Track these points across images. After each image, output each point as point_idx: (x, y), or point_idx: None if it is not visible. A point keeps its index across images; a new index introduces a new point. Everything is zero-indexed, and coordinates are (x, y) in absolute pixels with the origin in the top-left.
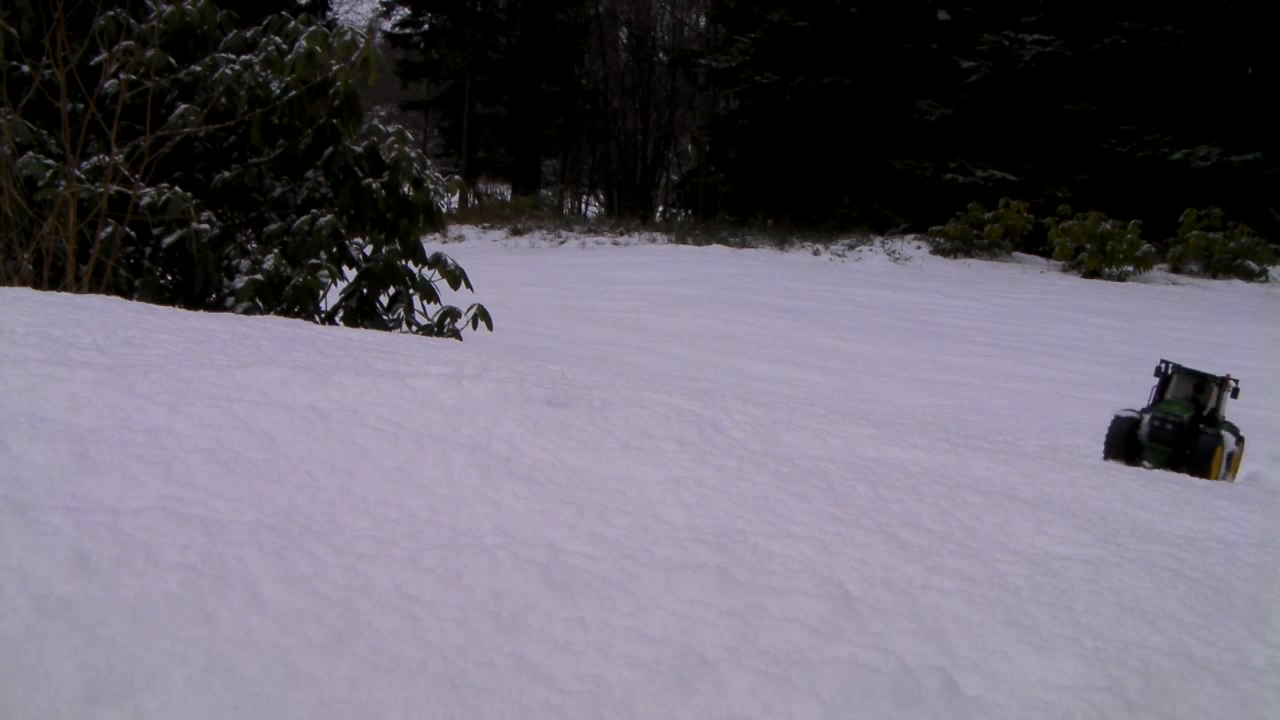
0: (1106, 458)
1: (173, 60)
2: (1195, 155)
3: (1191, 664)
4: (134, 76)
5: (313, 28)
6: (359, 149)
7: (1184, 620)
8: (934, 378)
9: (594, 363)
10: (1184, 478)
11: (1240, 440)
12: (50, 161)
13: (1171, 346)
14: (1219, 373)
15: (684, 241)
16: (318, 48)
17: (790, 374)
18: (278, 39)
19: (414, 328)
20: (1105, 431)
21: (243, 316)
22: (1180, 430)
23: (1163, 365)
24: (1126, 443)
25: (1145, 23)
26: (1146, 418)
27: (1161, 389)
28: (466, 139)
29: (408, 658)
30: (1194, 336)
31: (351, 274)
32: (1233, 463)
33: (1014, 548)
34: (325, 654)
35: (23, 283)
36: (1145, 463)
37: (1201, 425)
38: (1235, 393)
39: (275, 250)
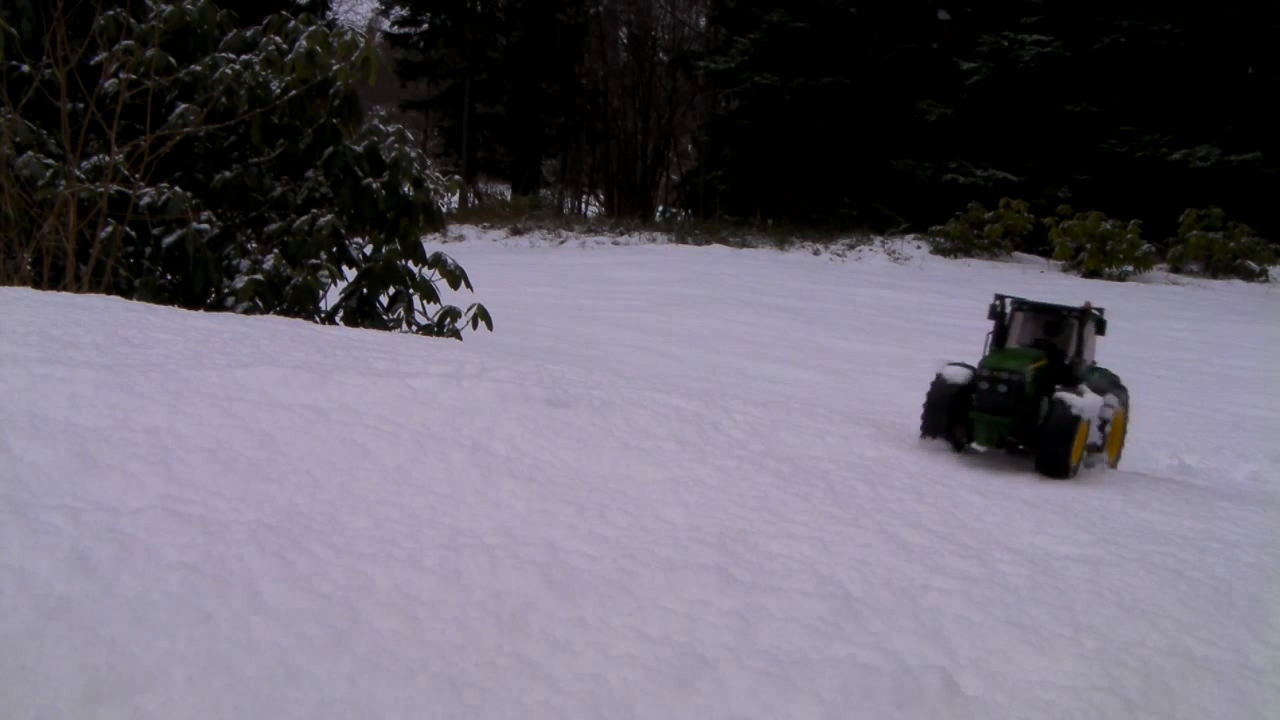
0: (925, 434)
1: (173, 60)
2: (1195, 155)
3: (1191, 664)
4: (134, 76)
5: (313, 27)
6: (359, 149)
7: (1184, 620)
8: (933, 378)
9: (594, 363)
10: (1185, 477)
11: (1121, 398)
12: (50, 161)
13: (1171, 346)
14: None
15: (684, 241)
16: (318, 47)
17: (790, 374)
18: (278, 39)
19: (414, 328)
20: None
21: (243, 316)
22: (1019, 392)
23: (998, 302)
24: (952, 413)
25: (1145, 22)
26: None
27: (999, 333)
28: (466, 139)
29: (408, 657)
30: (1194, 336)
31: (351, 274)
32: (1109, 438)
33: (1014, 548)
34: (325, 654)
35: (23, 282)
36: (975, 443)
37: (1057, 386)
38: (1101, 327)
39: (275, 250)
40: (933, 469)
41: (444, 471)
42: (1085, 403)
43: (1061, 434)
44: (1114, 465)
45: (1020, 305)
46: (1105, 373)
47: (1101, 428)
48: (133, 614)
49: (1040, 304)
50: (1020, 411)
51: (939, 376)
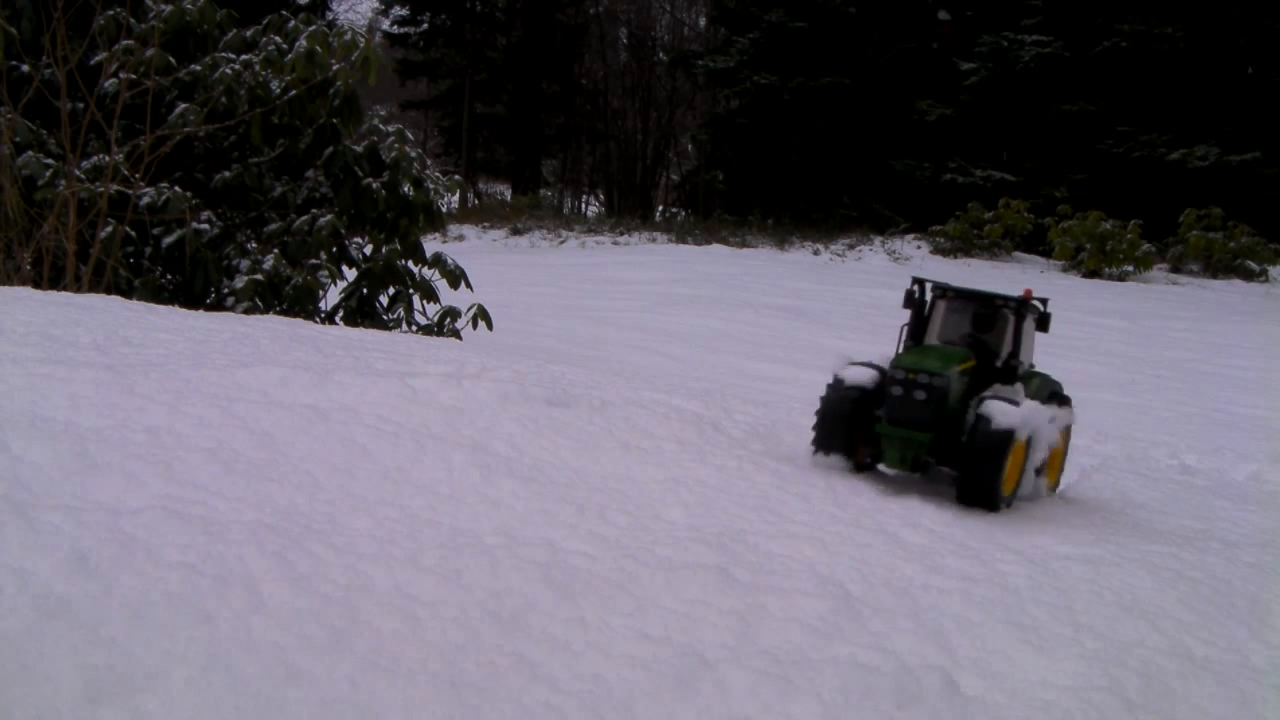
0: (817, 449)
1: (173, 60)
2: (1193, 155)
3: (1191, 664)
4: (134, 76)
5: (312, 27)
6: (359, 149)
7: (1184, 620)
8: None
9: (594, 363)
10: (1185, 477)
11: (1063, 409)
12: (50, 161)
13: (1171, 346)
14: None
15: (684, 241)
16: (317, 47)
17: (790, 374)
18: (278, 38)
19: (414, 327)
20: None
21: (243, 316)
22: (940, 400)
23: (915, 287)
24: (852, 424)
25: (1145, 25)
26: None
27: (917, 326)
28: (466, 139)
29: (408, 657)
30: (1194, 336)
31: (351, 274)
32: (1053, 459)
33: (1014, 548)
34: (325, 654)
35: (23, 282)
36: (883, 464)
37: (988, 393)
38: (1044, 323)
39: (275, 250)
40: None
41: (444, 471)
42: (1022, 414)
43: (989, 454)
44: (1053, 490)
45: (943, 292)
46: (1045, 379)
47: (1035, 455)
48: (133, 614)
49: (969, 290)
50: (941, 425)
51: (837, 378)
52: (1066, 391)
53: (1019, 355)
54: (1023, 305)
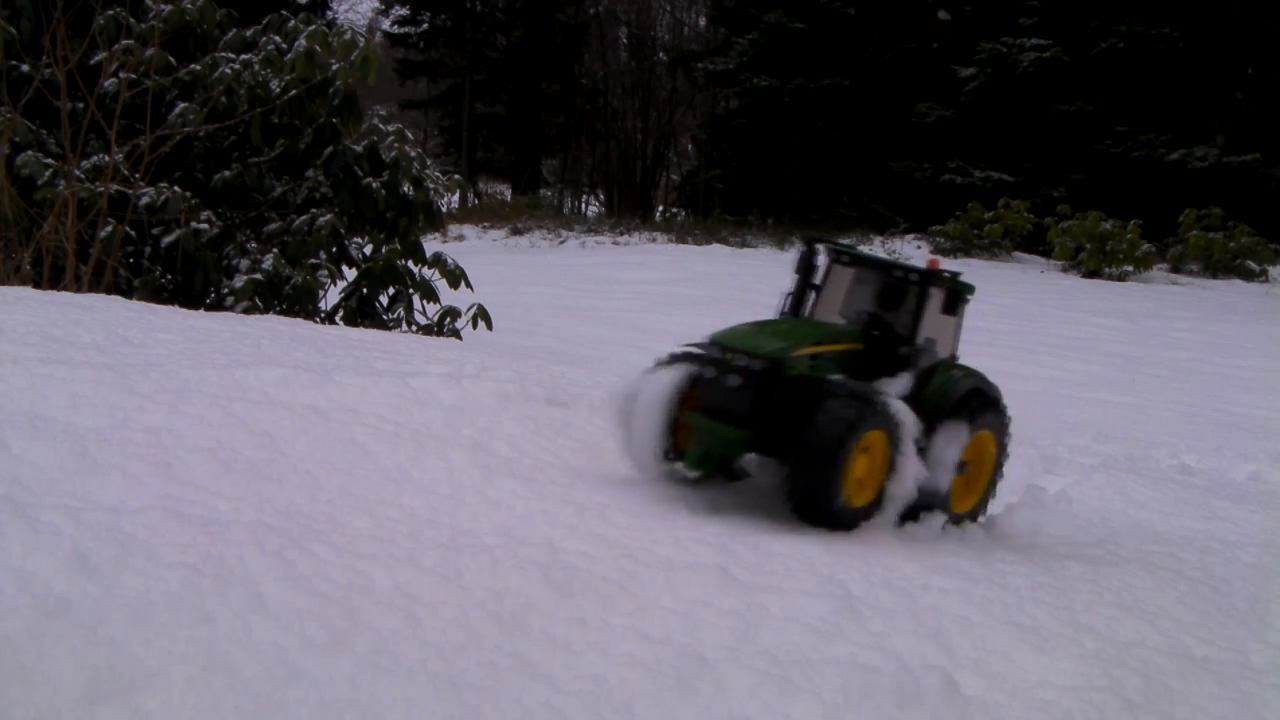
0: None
1: (172, 59)
2: (1193, 156)
3: (1191, 664)
4: (134, 76)
5: (312, 27)
6: (359, 148)
7: (1184, 620)
8: None
9: (594, 362)
10: (1185, 477)
11: (987, 420)
12: (50, 161)
13: (1171, 346)
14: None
15: (684, 241)
16: (317, 47)
17: None
18: (277, 38)
19: (414, 327)
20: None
21: (243, 316)
22: (763, 388)
23: (804, 248)
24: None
25: (1143, 25)
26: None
27: (799, 296)
28: (466, 139)
29: (408, 657)
30: (1194, 336)
31: (351, 273)
32: (973, 479)
33: (1014, 548)
34: (325, 654)
35: (22, 282)
36: (684, 463)
37: (834, 386)
38: (952, 302)
39: (275, 250)
40: None
41: (444, 471)
42: (871, 410)
43: (821, 453)
44: (972, 518)
45: (840, 256)
46: (962, 377)
47: (938, 479)
48: (133, 614)
49: (864, 256)
50: (766, 421)
51: (655, 364)
52: (1014, 393)
53: (917, 340)
54: (927, 280)
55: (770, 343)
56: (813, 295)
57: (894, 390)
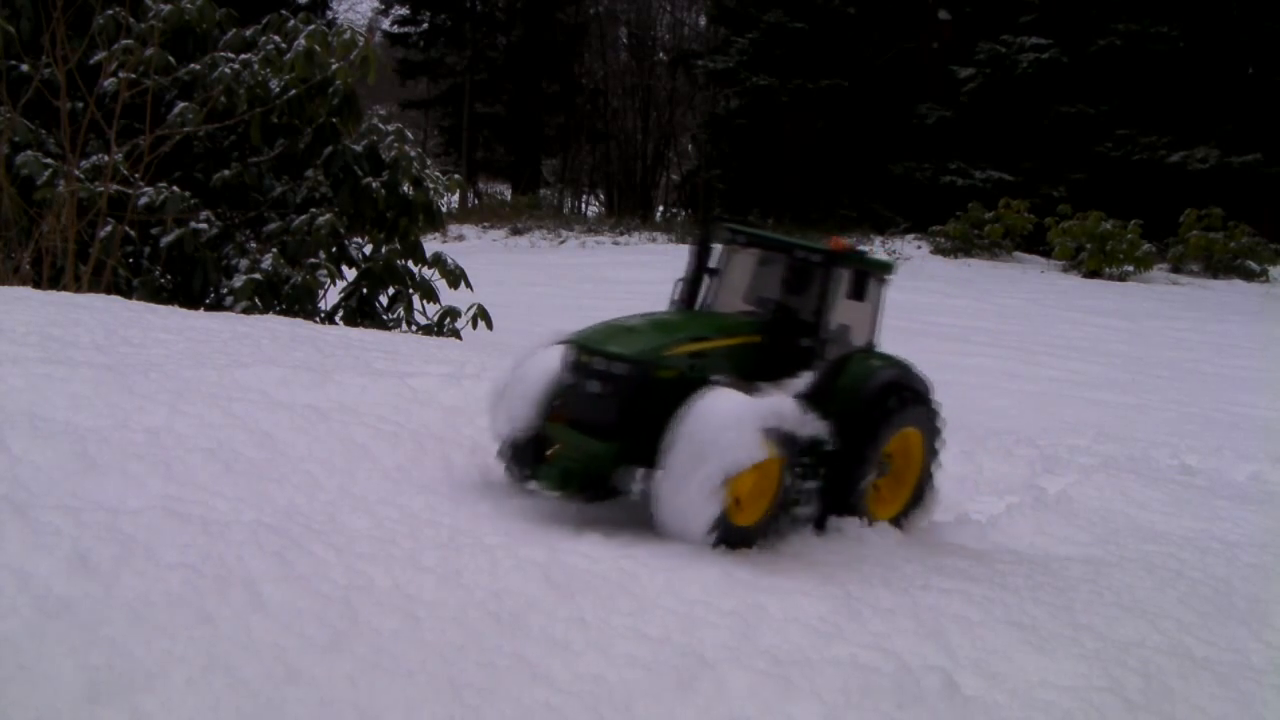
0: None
1: (172, 59)
2: (1193, 157)
3: (1191, 664)
4: (133, 75)
5: (312, 26)
6: (358, 148)
7: (1184, 620)
8: (934, 377)
9: None
10: (1185, 477)
11: (913, 415)
12: (50, 161)
13: (1171, 346)
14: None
15: (684, 241)
16: (317, 46)
17: None
18: (277, 38)
19: (414, 327)
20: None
21: (243, 316)
22: (632, 395)
23: (698, 230)
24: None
25: (1141, 24)
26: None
27: (693, 282)
28: (466, 138)
29: (408, 657)
30: (1194, 336)
31: (351, 273)
32: (898, 478)
33: (1014, 548)
34: (325, 654)
35: (22, 282)
36: (534, 481)
37: (779, 388)
38: (860, 287)
39: (274, 249)
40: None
41: (444, 471)
42: (749, 410)
43: (688, 458)
44: (896, 522)
45: (737, 237)
46: (891, 364)
47: (806, 469)
48: (133, 614)
49: (761, 236)
50: (640, 432)
51: (521, 365)
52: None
53: (823, 328)
54: (831, 260)
55: (638, 342)
56: (711, 283)
57: (794, 389)
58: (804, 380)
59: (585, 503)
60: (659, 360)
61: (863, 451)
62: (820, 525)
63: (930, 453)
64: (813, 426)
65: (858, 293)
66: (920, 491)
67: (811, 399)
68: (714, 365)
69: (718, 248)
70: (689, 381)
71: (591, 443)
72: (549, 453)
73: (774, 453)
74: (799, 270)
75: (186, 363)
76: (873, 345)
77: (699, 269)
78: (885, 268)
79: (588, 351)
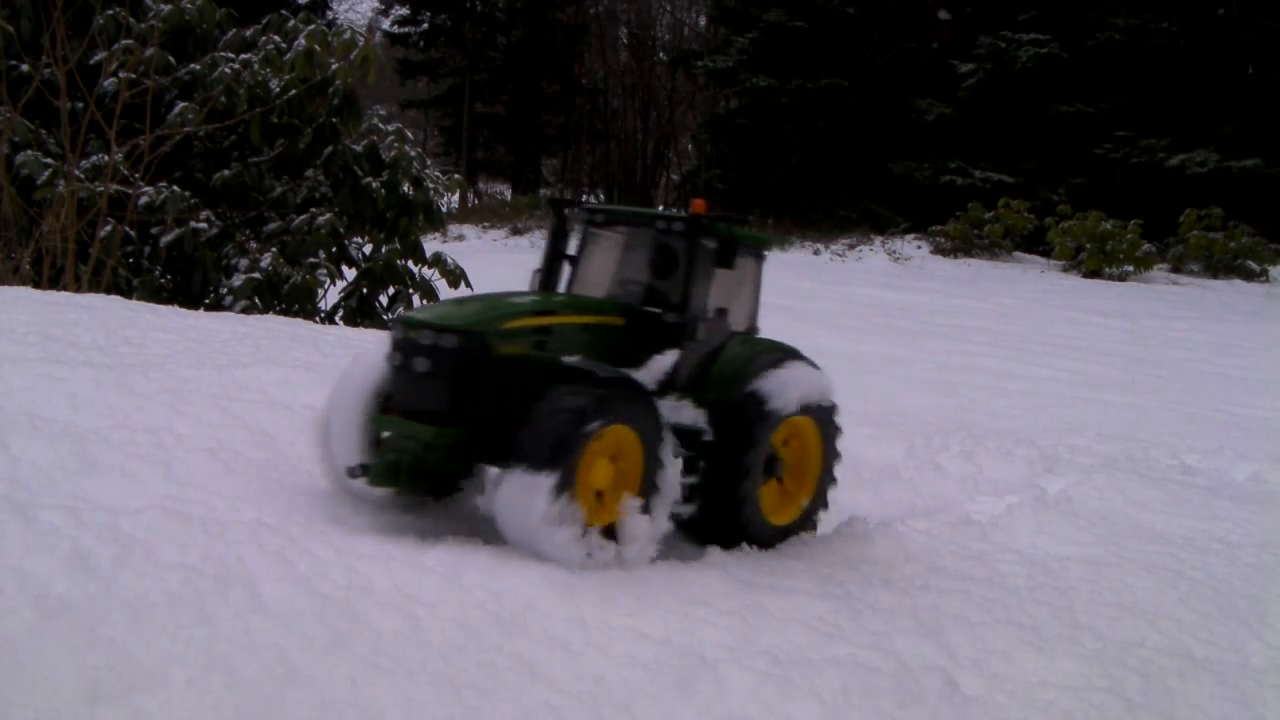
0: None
1: (172, 59)
2: (1193, 161)
3: (1191, 664)
4: (133, 75)
5: (311, 26)
6: (358, 148)
7: (1184, 620)
8: (934, 377)
9: None
10: (1185, 477)
11: (795, 392)
12: (49, 160)
13: (1172, 346)
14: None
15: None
16: (317, 46)
17: None
18: (277, 38)
19: None
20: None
21: (243, 316)
22: (460, 375)
23: (548, 207)
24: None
25: (1140, 20)
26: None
27: (549, 265)
28: (466, 138)
29: (408, 657)
30: (1194, 336)
31: (351, 273)
32: (799, 474)
33: (1014, 548)
34: (325, 654)
35: (22, 282)
36: (369, 480)
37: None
38: (726, 255)
39: (274, 249)
40: (928, 467)
41: None
42: (602, 396)
43: (538, 457)
44: (793, 532)
45: (594, 216)
46: (774, 349)
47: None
48: (133, 614)
49: (622, 211)
50: (482, 418)
51: (340, 383)
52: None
53: (691, 306)
54: (694, 229)
55: (472, 314)
56: (571, 272)
57: (661, 368)
58: (670, 359)
59: (427, 500)
60: (496, 331)
61: (745, 444)
62: (704, 538)
63: (831, 450)
64: (687, 414)
65: (724, 260)
66: (823, 494)
67: (684, 385)
68: (565, 345)
69: (575, 231)
70: (531, 361)
71: (423, 429)
72: (379, 443)
73: (639, 441)
74: (663, 243)
75: (186, 363)
76: (754, 330)
77: (554, 255)
78: (760, 242)
79: (414, 326)
